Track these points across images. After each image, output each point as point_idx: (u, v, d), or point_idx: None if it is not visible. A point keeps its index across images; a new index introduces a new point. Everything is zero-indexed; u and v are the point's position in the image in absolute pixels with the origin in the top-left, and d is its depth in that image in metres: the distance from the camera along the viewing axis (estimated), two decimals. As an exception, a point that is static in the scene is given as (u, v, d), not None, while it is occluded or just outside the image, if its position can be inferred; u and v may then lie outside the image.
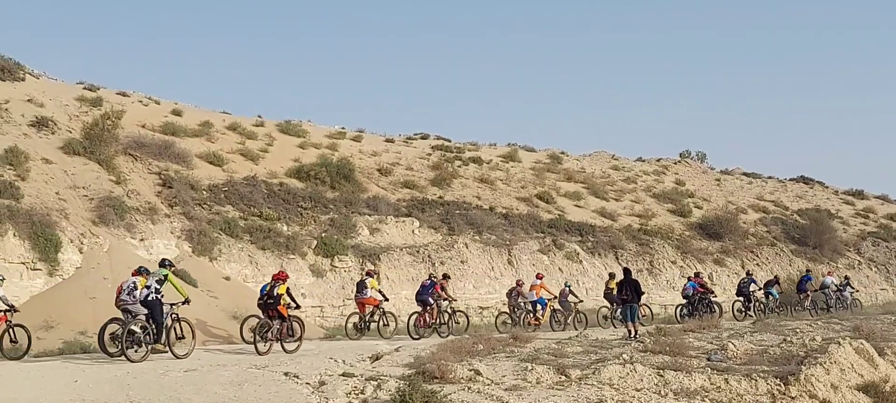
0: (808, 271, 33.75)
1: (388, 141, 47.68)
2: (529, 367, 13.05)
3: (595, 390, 11.95)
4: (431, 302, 21.98)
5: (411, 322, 21.50)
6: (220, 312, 22.27)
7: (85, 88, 39.43)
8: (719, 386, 12.62)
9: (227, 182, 31.26)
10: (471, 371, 12.52)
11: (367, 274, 23.69)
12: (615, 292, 23.19)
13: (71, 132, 30.07)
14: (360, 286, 22.39)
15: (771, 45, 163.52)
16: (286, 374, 12.95)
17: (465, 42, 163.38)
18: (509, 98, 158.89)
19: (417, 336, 20.84)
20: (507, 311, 24.67)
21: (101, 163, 27.79)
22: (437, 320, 21.92)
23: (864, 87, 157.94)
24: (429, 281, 22.66)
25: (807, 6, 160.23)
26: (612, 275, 26.37)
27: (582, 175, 48.31)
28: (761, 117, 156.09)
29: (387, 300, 22.70)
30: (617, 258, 35.63)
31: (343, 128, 48.15)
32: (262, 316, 16.85)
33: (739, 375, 13.03)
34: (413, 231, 31.92)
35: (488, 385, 11.93)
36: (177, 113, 39.18)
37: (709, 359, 14.79)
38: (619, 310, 23.05)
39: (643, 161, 58.71)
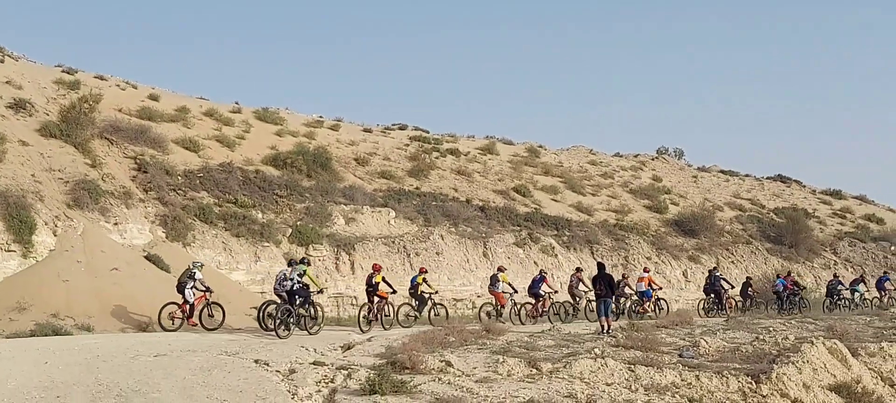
0: (885, 272, 35.85)
1: (365, 130, 47.51)
2: (501, 360, 13.02)
3: (565, 383, 11.93)
4: (542, 294, 24.43)
5: (522, 311, 23.92)
6: (193, 299, 22.07)
7: (63, 71, 39.05)
8: (690, 383, 12.64)
9: (203, 168, 31.00)
10: (442, 362, 12.47)
11: (499, 269, 25.35)
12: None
13: (48, 115, 29.78)
14: (493, 279, 24.18)
15: (750, 43, 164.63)
16: (256, 361, 12.82)
17: (446, 34, 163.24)
18: (488, 91, 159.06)
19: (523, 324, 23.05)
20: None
21: (77, 147, 27.53)
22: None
23: (844, 87, 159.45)
24: (539, 275, 25.40)
25: (786, 6, 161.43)
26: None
27: (559, 169, 48.33)
28: (740, 114, 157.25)
29: (516, 291, 24.66)
30: (592, 253, 35.71)
31: (321, 117, 47.94)
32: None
33: (710, 372, 13.06)
34: (389, 221, 31.79)
35: (459, 376, 11.87)
36: (154, 98, 38.87)
37: (680, 355, 14.83)
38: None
39: (621, 156, 58.85)
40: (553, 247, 34.76)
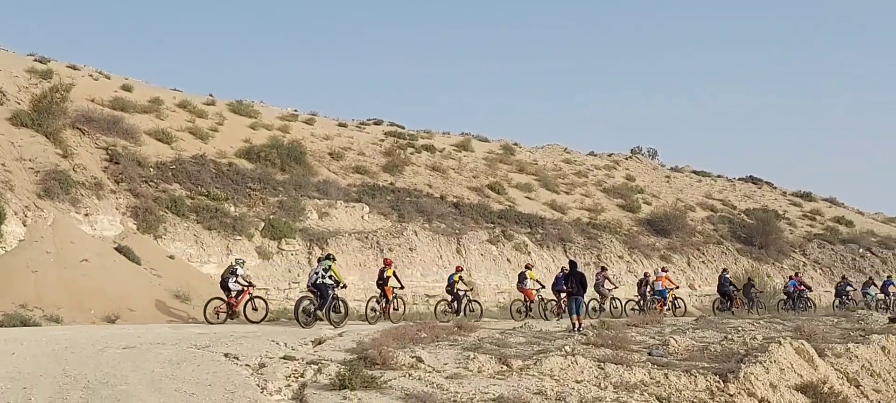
0: (889, 276, 37.98)
1: (340, 125, 47.39)
2: (472, 356, 13.02)
3: (535, 380, 11.96)
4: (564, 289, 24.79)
5: (549, 306, 25.18)
6: (164, 291, 21.94)
7: (35, 60, 38.61)
8: (659, 381, 12.70)
9: (176, 160, 30.77)
10: (413, 358, 12.45)
11: (527, 266, 26.70)
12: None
13: (19, 104, 29.47)
14: (521, 277, 25.37)
15: (725, 45, 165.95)
16: (226, 355, 12.73)
17: (423, 31, 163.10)
18: (465, 88, 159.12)
19: (546, 319, 24.05)
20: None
21: (48, 136, 27.26)
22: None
23: (815, 91, 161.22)
24: (561, 273, 25.19)
25: (759, 9, 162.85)
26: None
27: (534, 167, 48.51)
28: (713, 116, 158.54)
29: (543, 287, 25.72)
30: (565, 251, 35.87)
31: (296, 111, 47.79)
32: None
33: (679, 371, 13.13)
34: (363, 216, 31.73)
35: (430, 372, 11.87)
36: (127, 88, 38.53)
37: (650, 354, 14.91)
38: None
39: (595, 155, 59.20)
40: (526, 245, 34.87)
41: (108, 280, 20.83)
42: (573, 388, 11.84)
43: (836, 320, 23.34)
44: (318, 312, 19.53)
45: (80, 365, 11.25)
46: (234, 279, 20.54)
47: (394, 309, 22.12)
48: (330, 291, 19.79)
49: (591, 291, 24.34)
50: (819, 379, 14.00)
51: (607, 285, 27.68)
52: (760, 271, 39.38)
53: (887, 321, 21.92)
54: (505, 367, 12.67)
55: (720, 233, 44.96)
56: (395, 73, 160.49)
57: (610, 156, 59.70)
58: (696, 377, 12.86)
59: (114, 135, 30.19)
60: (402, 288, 22.60)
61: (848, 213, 56.64)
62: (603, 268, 29.26)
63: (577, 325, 19.21)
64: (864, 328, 20.18)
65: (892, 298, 34.24)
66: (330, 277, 19.94)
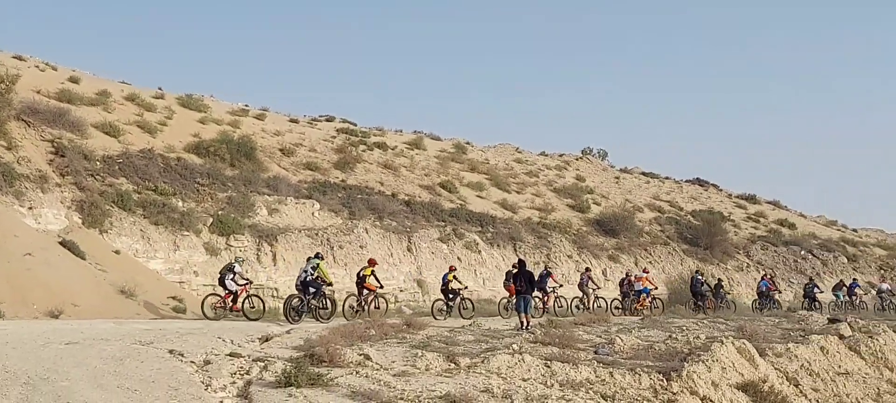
0: (854, 279, 38.98)
1: (292, 121, 47.09)
2: (420, 354, 13.06)
3: (483, 378, 12.04)
4: (549, 289, 26.40)
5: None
6: (109, 286, 21.56)
7: (-21, 50, 37.62)
8: (604, 379, 12.88)
9: (123, 154, 30.23)
10: (361, 355, 12.45)
11: (513, 265, 26.46)
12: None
13: (-38, 95, 28.62)
14: (508, 275, 25.17)
15: (674, 48, 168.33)
16: (171, 352, 12.58)
17: (376, 27, 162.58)
18: (418, 85, 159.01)
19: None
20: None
21: (-8, 128, 26.55)
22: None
23: (762, 96, 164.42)
24: (545, 271, 27.29)
25: (707, 15, 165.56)
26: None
27: (486, 166, 48.73)
28: (662, 118, 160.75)
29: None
30: (515, 249, 36.09)
31: (246, 106, 47.33)
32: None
33: (624, 369, 13.32)
34: (313, 213, 31.53)
35: (377, 370, 11.88)
36: (74, 80, 37.81)
37: (596, 352, 15.09)
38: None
39: (546, 155, 59.67)
40: (477, 244, 35.01)
41: (52, 274, 20.40)
42: (520, 386, 11.95)
43: (777, 320, 23.84)
44: (322, 309, 20.71)
45: (20, 361, 11.03)
46: (232, 276, 21.03)
47: (375, 307, 22.54)
48: (318, 289, 20.67)
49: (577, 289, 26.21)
50: (759, 378, 14.32)
51: (591, 285, 28.50)
52: (705, 272, 40.02)
53: (826, 321, 22.44)
54: (452, 365, 12.72)
55: (667, 234, 45.64)
56: (348, 70, 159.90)
57: (561, 156, 60.23)
58: (640, 375, 13.06)
59: (60, 128, 29.54)
60: (381, 287, 23.20)
61: (790, 216, 57.97)
62: (587, 269, 30.47)
63: (525, 324, 19.34)
64: (804, 328, 20.66)
65: (858, 299, 35.27)
66: (318, 276, 20.67)
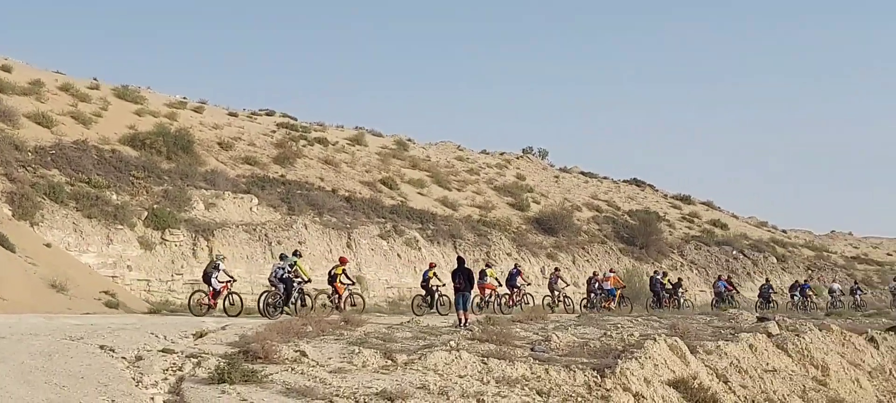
0: (806, 280, 40.86)
1: (231, 114, 46.48)
2: (357, 350, 13.00)
3: (419, 375, 12.04)
4: (517, 285, 26.95)
5: (503, 301, 26.17)
6: (39, 280, 21.01)
7: None
8: (539, 376, 12.99)
9: (56, 145, 29.60)
10: (296, 352, 12.34)
11: (487, 264, 29.58)
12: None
13: None
14: (481, 274, 26.40)
15: (612, 49, 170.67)
16: (102, 347, 12.31)
17: (318, 21, 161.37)
18: (360, 81, 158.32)
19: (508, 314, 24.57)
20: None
21: (-81, 117, 25.70)
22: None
23: (698, 98, 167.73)
24: (515, 269, 27.92)
25: (643, 17, 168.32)
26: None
27: (427, 163, 48.80)
28: (602, 119, 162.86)
29: (501, 285, 26.72)
30: (455, 247, 36.17)
31: (184, 98, 46.61)
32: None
33: (559, 366, 13.46)
34: (251, 208, 31.17)
35: (313, 366, 11.79)
36: (6, 69, 36.95)
37: (533, 349, 15.21)
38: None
39: (487, 153, 60.00)
40: (417, 240, 35.02)
41: (-20, 268, 19.81)
42: (456, 383, 11.98)
43: (708, 318, 24.34)
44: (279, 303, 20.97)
45: (-57, 357, 10.70)
46: (216, 275, 21.32)
47: (352, 304, 22.67)
48: (295, 286, 21.29)
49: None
50: (690, 375, 14.60)
51: (560, 283, 28.95)
52: (640, 270, 40.75)
53: (756, 320, 23.01)
54: (390, 362, 12.69)
55: (604, 233, 46.29)
56: (289, 64, 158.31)
57: (502, 154, 60.62)
58: (575, 372, 13.21)
59: (-10, 117, 28.78)
60: (353, 284, 23.44)
61: (723, 217, 59.39)
62: (556, 269, 31.01)
63: (463, 321, 19.40)
64: (734, 326, 21.12)
65: (809, 300, 36.67)
66: (295, 273, 21.34)
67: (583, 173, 63.37)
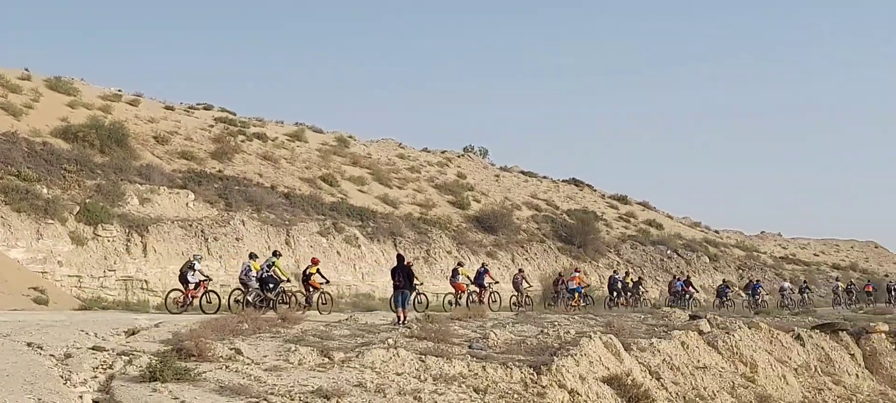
0: (758, 281, 42.17)
1: (167, 108, 45.62)
2: (293, 348, 12.92)
3: (356, 373, 12.02)
4: (485, 284, 27.42)
5: (467, 299, 26.57)
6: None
7: None
8: (477, 373, 13.08)
9: (-17, 136, 28.63)
10: (231, 349, 12.21)
11: (459, 263, 30.70)
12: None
13: None
14: (454, 272, 27.73)
15: (554, 48, 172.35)
16: (29, 344, 12.01)
17: (257, 16, 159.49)
18: (300, 77, 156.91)
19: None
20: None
21: None
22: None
23: (633, 99, 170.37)
24: (483, 268, 28.50)
25: (580, 16, 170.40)
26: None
27: (368, 160, 48.62)
28: (542, 119, 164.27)
29: (471, 282, 27.31)
30: (395, 244, 36.10)
31: (119, 91, 45.55)
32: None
33: (497, 363, 13.57)
34: (187, 204, 30.61)
35: (248, 364, 11.68)
36: (-72, 57, 35.55)
37: (470, 347, 15.30)
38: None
39: (429, 151, 60.01)
40: (357, 238, 34.86)
41: None
42: (393, 380, 12.00)
43: (643, 316, 24.80)
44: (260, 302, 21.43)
45: None
46: (192, 272, 21.81)
47: (323, 302, 23.11)
48: (276, 284, 21.98)
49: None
50: (624, 372, 14.88)
51: (524, 283, 29.59)
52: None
53: (688, 318, 23.51)
54: (326, 360, 12.65)
55: (543, 232, 46.69)
56: (228, 58, 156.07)
57: (443, 153, 60.71)
58: (511, 369, 13.34)
59: (-89, 107, 27.75)
60: (327, 282, 23.70)
61: (659, 217, 60.49)
62: (520, 270, 31.85)
63: (401, 318, 19.40)
64: (667, 324, 21.57)
65: (760, 298, 38.17)
66: (274, 273, 21.99)
67: (523, 172, 63.81)
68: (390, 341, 14.51)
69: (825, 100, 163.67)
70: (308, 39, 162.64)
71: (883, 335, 24.29)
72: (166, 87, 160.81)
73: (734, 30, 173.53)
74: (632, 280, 35.54)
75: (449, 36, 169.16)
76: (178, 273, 22.43)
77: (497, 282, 29.10)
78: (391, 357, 13.05)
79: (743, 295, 39.79)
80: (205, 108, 49.47)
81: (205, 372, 10.55)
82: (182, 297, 21.59)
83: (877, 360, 23.37)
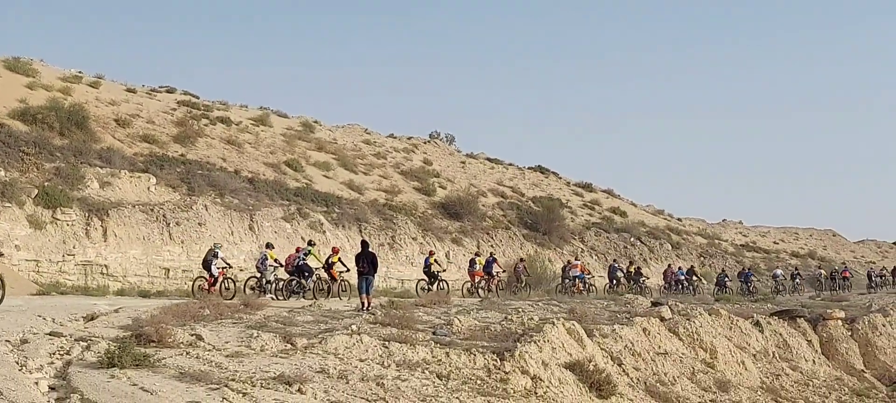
0: (750, 269, 45.61)
1: (129, 91, 44.90)
2: (255, 334, 12.84)
3: (319, 359, 11.98)
4: (494, 273, 30.09)
5: (479, 287, 29.48)
6: (-85, 263, 19.89)
7: None
8: (440, 359, 13.11)
9: (-64, 117, 27.96)
10: (192, 335, 12.10)
11: (476, 254, 32.80)
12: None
13: None
14: (471, 262, 30.59)
15: (512, 34, 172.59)
16: (-17, 331, 11.78)
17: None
18: (264, 60, 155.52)
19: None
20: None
21: None
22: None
23: (597, 87, 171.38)
24: (491, 258, 31.01)
25: (549, 4, 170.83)
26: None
27: (333, 146, 48.32)
28: (508, 106, 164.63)
29: (348, 270, 27.03)
30: (360, 230, 35.99)
31: (80, 73, 44.73)
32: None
33: (460, 349, 13.61)
34: (149, 188, 30.19)
35: (209, 350, 11.57)
36: None
37: (434, 333, 15.33)
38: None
39: (395, 137, 59.84)
40: (322, 224, 34.66)
41: None
42: (356, 366, 11.97)
43: (605, 303, 25.01)
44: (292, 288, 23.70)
45: None
46: (215, 261, 23.23)
47: (343, 290, 24.52)
48: (312, 272, 24.01)
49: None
50: (586, 358, 15.00)
51: (496, 267, 30.81)
52: (543, 256, 41.47)
53: (650, 305, 23.74)
54: (289, 346, 12.59)
55: (509, 219, 46.82)
56: (191, 40, 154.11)
57: (409, 139, 60.57)
58: (475, 355, 13.39)
59: None
60: (347, 270, 24.38)
61: (623, 204, 61.00)
62: (521, 260, 34.92)
63: (365, 304, 19.38)
64: (629, 311, 21.78)
65: (752, 285, 40.85)
66: (309, 261, 24.15)
67: (489, 159, 63.88)
68: (354, 327, 14.49)
69: (788, 90, 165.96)
70: (273, 23, 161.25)
71: (839, 321, 24.80)
72: (128, 70, 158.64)
73: (695, 20, 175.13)
74: (633, 269, 37.70)
75: (416, 21, 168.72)
76: (202, 260, 23.99)
77: (504, 271, 31.56)
78: (354, 344, 13.02)
79: (739, 281, 42.35)
80: (167, 91, 48.82)
81: (165, 359, 10.43)
82: (206, 283, 22.96)
83: (833, 346, 23.87)
